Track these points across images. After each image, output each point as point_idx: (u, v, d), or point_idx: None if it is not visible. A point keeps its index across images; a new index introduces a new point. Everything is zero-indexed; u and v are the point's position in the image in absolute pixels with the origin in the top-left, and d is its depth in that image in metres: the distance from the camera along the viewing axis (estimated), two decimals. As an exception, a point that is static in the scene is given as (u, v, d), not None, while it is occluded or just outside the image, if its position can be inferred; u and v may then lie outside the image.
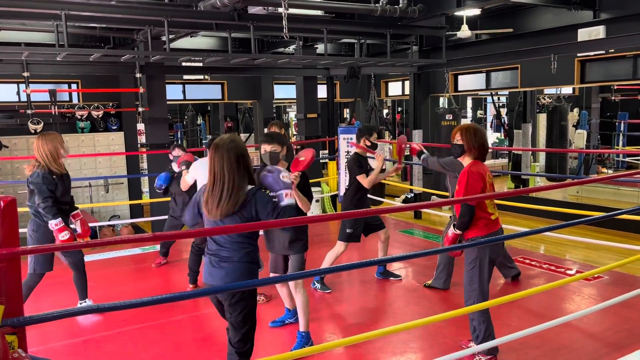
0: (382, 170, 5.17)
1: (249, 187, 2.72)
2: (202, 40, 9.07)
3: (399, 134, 15.84)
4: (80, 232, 4.36)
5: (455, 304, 4.60)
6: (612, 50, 7.31)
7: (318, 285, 5.07)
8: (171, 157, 5.72)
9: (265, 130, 10.77)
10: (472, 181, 3.44)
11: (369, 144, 5.00)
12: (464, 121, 11.45)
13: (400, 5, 6.81)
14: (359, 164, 4.97)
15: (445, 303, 4.72)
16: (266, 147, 3.64)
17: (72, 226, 4.30)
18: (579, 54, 7.69)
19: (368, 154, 5.12)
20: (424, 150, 4.89)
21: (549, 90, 12.25)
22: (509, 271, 5.21)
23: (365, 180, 4.92)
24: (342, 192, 7.67)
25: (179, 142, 5.80)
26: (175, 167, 5.69)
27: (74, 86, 9.28)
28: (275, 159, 3.64)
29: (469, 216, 3.44)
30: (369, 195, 5.22)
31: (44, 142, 4.13)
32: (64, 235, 4.07)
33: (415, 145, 4.98)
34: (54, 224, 4.05)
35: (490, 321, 3.52)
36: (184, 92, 10.99)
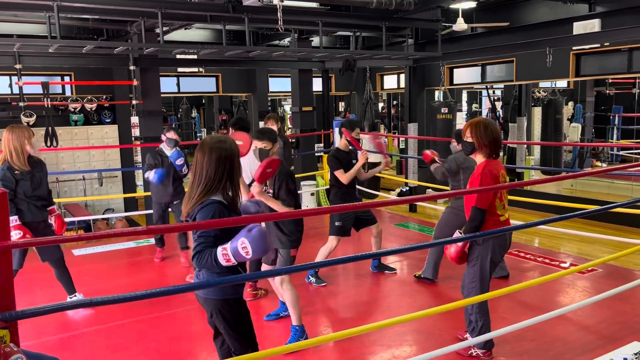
0: (373, 166, 5.13)
1: (213, 198, 2.46)
2: (196, 33, 9.01)
3: (394, 127, 15.85)
4: (55, 227, 4.34)
5: (450, 297, 4.61)
6: (607, 44, 7.32)
7: (313, 279, 5.07)
8: (163, 139, 5.58)
9: (261, 123, 10.76)
10: (485, 185, 3.29)
11: (350, 138, 4.88)
12: (458, 115, 11.46)
13: (395, -2, 6.78)
14: (335, 159, 4.87)
15: (441, 296, 4.73)
16: (257, 144, 3.64)
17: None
18: (574, 47, 7.70)
19: (351, 147, 4.98)
20: (437, 160, 4.83)
21: (544, 84, 12.26)
22: (498, 270, 5.13)
23: (343, 176, 4.81)
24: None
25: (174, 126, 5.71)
26: (166, 150, 5.54)
27: (67, 78, 9.21)
28: (265, 156, 3.63)
29: (480, 221, 3.32)
30: (364, 189, 5.19)
31: (9, 137, 4.03)
32: (16, 234, 3.92)
33: (428, 153, 4.89)
34: None
35: (488, 316, 3.52)
36: (178, 84, 10.93)
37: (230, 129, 4.95)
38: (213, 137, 2.60)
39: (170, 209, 5.80)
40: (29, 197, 4.09)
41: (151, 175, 5.43)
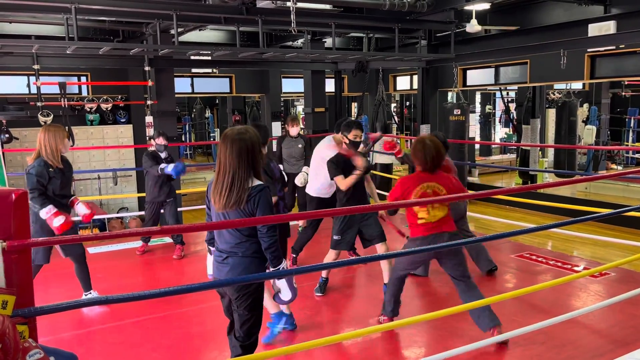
0: (384, 167, 5.02)
1: (257, 182, 2.66)
2: (210, 34, 9.08)
3: (407, 129, 15.81)
4: (88, 213, 4.25)
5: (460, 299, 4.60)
6: (623, 46, 7.26)
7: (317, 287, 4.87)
8: (153, 144, 5.87)
9: (275, 124, 10.82)
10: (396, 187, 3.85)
11: (347, 141, 4.39)
12: (471, 116, 11.42)
13: None
14: (333, 164, 4.42)
15: (451, 298, 4.72)
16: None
17: (76, 217, 4.36)
18: (589, 49, 7.64)
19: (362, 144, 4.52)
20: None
21: (559, 86, 12.17)
22: (485, 265, 5.18)
23: (342, 183, 4.34)
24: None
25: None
26: (159, 152, 5.87)
27: (83, 79, 9.34)
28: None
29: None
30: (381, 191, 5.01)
31: (46, 135, 4.16)
32: (59, 220, 3.96)
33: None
34: (45, 212, 3.98)
35: (398, 300, 4.01)
36: (192, 85, 11.03)
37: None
38: (234, 130, 2.70)
39: (162, 209, 6.03)
40: (56, 195, 4.18)
41: (170, 167, 5.62)
